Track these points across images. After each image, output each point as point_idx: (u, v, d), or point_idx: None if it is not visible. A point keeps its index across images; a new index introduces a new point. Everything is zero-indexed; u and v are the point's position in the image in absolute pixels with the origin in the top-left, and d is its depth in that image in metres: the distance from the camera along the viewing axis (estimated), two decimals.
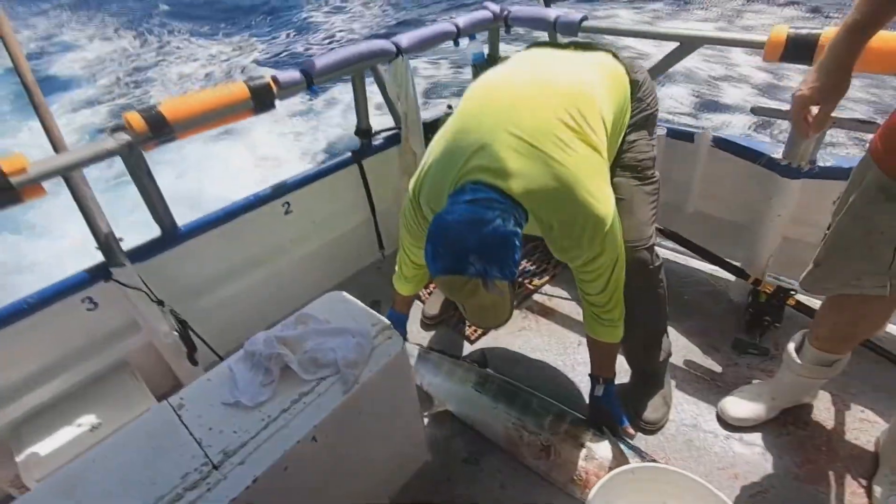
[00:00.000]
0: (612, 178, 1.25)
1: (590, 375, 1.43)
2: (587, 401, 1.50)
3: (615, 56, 1.30)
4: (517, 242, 0.97)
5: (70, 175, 1.33)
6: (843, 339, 1.28)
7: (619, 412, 1.40)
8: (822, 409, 1.52)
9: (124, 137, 1.34)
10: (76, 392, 1.55)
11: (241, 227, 1.76)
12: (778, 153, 1.64)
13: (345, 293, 1.41)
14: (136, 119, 1.33)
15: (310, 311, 1.33)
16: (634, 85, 1.27)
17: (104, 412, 1.50)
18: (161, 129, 1.36)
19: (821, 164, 1.59)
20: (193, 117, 1.41)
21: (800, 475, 1.37)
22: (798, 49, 1.42)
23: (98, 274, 1.46)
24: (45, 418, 1.48)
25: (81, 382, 1.57)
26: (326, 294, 1.39)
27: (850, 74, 0.94)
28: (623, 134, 1.26)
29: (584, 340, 1.41)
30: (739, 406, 1.50)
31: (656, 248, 1.32)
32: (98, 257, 1.46)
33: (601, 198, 1.04)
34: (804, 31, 1.42)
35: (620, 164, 1.28)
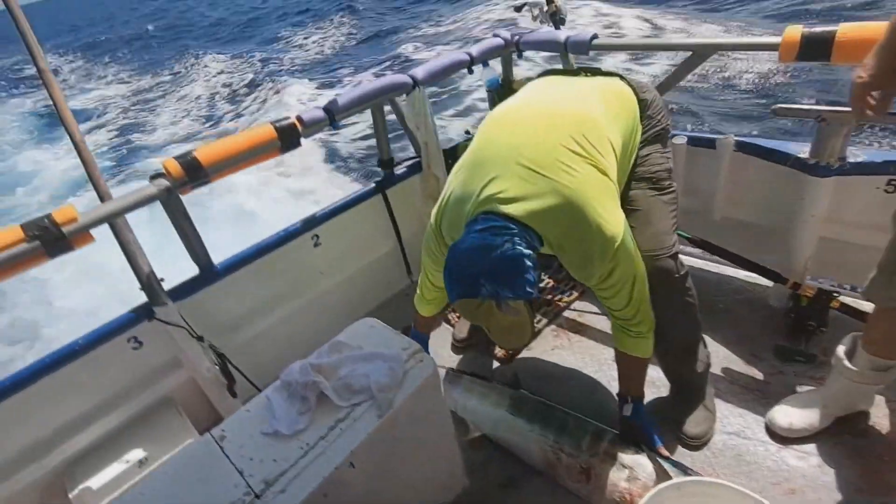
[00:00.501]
0: (628, 192, 1.27)
1: (617, 395, 1.40)
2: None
3: (622, 78, 1.34)
4: (528, 263, 0.99)
5: (114, 221, 1.42)
6: None
7: (651, 431, 1.35)
8: (880, 416, 1.43)
9: (163, 183, 1.43)
10: (124, 429, 1.61)
11: (274, 262, 1.82)
12: (804, 153, 1.61)
13: (375, 319, 1.44)
14: (173, 165, 1.42)
15: (342, 338, 1.36)
16: (643, 104, 1.31)
17: (150, 447, 1.55)
18: (196, 173, 1.44)
19: (851, 160, 1.54)
20: (225, 160, 1.49)
21: (862, 487, 1.29)
22: (813, 47, 1.41)
23: (142, 314, 1.54)
24: (96, 455, 1.54)
25: (129, 419, 1.63)
26: (357, 321, 1.42)
27: None
28: (636, 151, 1.29)
29: (604, 359, 1.40)
30: (790, 415, 1.43)
31: (681, 256, 1.31)
32: (141, 298, 1.53)
33: (608, 216, 1.06)
34: (818, 30, 1.41)
35: (635, 178, 1.29)
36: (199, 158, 1.45)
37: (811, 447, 1.40)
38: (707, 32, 7.55)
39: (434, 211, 1.27)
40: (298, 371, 1.22)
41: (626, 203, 1.28)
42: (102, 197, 1.45)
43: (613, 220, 1.07)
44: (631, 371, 1.34)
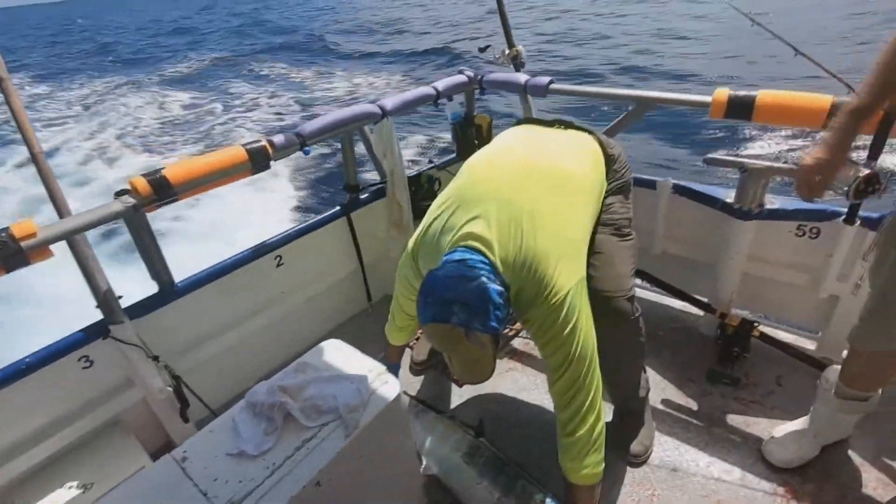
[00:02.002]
0: (593, 237, 1.37)
1: None
2: None
3: (592, 134, 1.47)
4: (499, 300, 1.03)
5: (73, 238, 1.39)
6: (878, 382, 1.37)
7: None
8: None
9: (129, 201, 1.42)
10: (69, 452, 1.54)
11: (236, 281, 1.82)
12: (730, 198, 1.82)
13: (339, 341, 1.47)
14: (141, 183, 1.41)
15: (308, 359, 1.39)
16: (610, 159, 1.43)
17: (97, 472, 1.49)
18: (165, 191, 1.44)
19: (768, 206, 1.77)
20: (195, 180, 1.50)
21: (778, 493, 1.45)
22: (738, 108, 1.62)
23: (96, 332, 1.50)
24: (39, 479, 1.46)
25: (75, 442, 1.56)
26: (323, 342, 1.45)
27: (847, 152, 1.11)
28: (602, 201, 1.40)
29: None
30: (785, 450, 1.53)
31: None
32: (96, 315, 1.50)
33: (560, 274, 1.11)
34: (742, 93, 1.62)
35: (600, 223, 1.40)
36: (168, 177, 1.45)
37: (733, 463, 1.55)
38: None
39: (411, 241, 1.32)
40: (265, 392, 1.24)
41: (591, 247, 1.37)
42: (61, 211, 1.42)
43: (564, 279, 1.11)
44: (581, 497, 1.26)
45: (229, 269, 1.80)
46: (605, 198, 1.42)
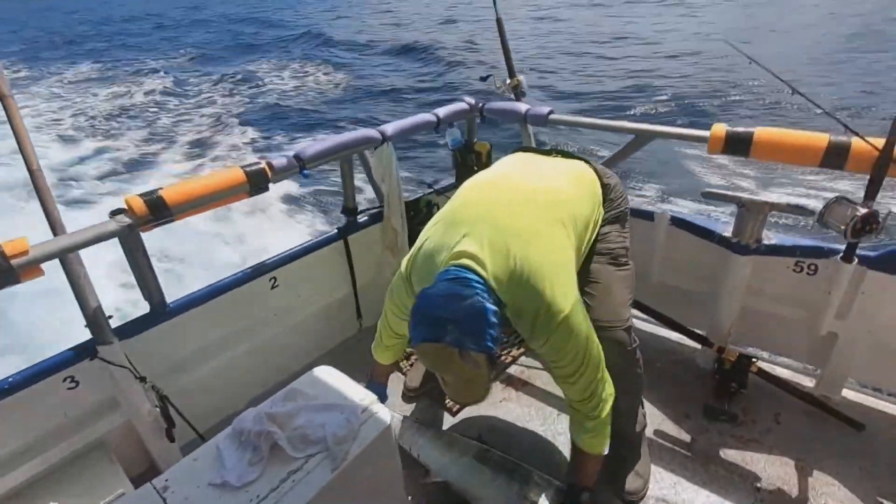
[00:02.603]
0: (589, 265, 1.37)
1: (569, 485, 1.40)
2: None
3: (589, 163, 1.47)
4: (494, 319, 1.03)
5: (66, 256, 1.38)
6: None
7: None
8: (790, 474, 1.58)
9: (125, 220, 1.41)
10: (49, 475, 1.50)
11: (229, 303, 1.80)
12: (728, 231, 1.82)
13: (331, 368, 1.45)
14: (137, 203, 1.41)
15: (298, 386, 1.36)
16: (606, 188, 1.44)
17: (77, 496, 1.44)
18: (161, 212, 1.44)
19: (766, 241, 1.76)
20: (192, 201, 1.50)
21: None
22: (736, 144, 1.63)
23: (84, 352, 1.47)
24: (17, 503, 1.41)
25: (56, 465, 1.51)
26: (315, 369, 1.42)
27: None
28: (598, 229, 1.40)
29: (563, 410, 1.45)
30: None
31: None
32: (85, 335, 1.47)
33: (559, 293, 1.11)
34: (740, 130, 1.64)
35: (596, 252, 1.40)
36: (164, 198, 1.44)
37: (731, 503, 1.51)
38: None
39: (405, 261, 1.31)
40: (252, 420, 1.21)
41: (588, 276, 1.38)
42: (55, 228, 1.41)
43: (562, 298, 1.12)
44: (587, 467, 1.36)
45: (224, 290, 1.78)
46: (601, 226, 1.42)
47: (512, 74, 2.33)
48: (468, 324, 1.01)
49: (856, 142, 1.45)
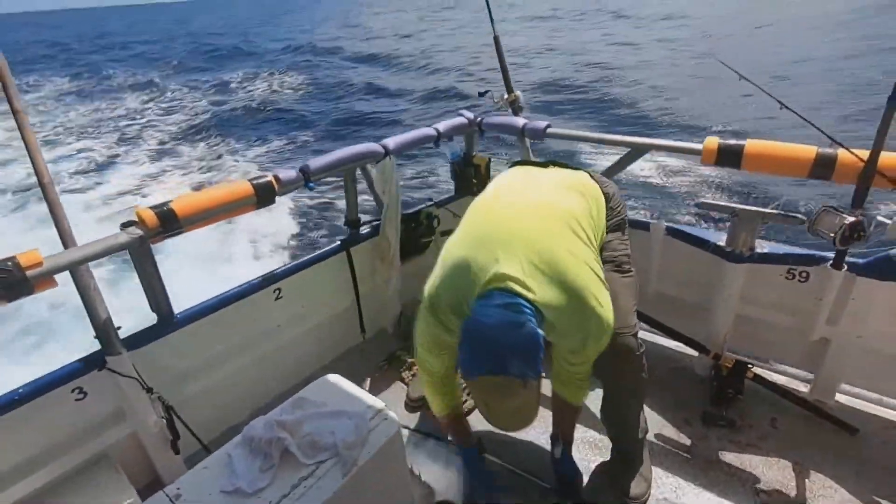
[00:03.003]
0: None
1: (552, 437, 1.54)
2: (581, 479, 1.59)
3: (590, 174, 1.51)
4: (542, 343, 1.04)
5: (76, 268, 1.40)
6: None
7: (576, 467, 1.57)
8: (788, 477, 1.61)
9: (136, 232, 1.44)
10: (55, 486, 1.50)
11: (234, 314, 1.82)
12: (722, 241, 1.87)
13: (338, 376, 1.47)
14: (148, 215, 1.44)
15: (305, 394, 1.38)
16: (607, 197, 1.47)
17: None
18: (171, 224, 1.47)
19: (759, 250, 1.82)
20: (202, 213, 1.53)
21: None
22: (728, 156, 1.70)
23: (93, 363, 1.48)
24: None
25: (61, 476, 1.52)
26: (322, 377, 1.45)
27: None
28: (602, 237, 1.43)
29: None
30: None
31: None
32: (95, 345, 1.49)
33: (604, 305, 1.16)
34: (732, 142, 1.70)
35: (602, 260, 1.41)
36: (175, 210, 1.48)
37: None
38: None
39: (428, 291, 1.25)
40: (262, 427, 1.23)
41: None
42: (65, 240, 1.43)
43: (607, 308, 1.16)
44: (566, 416, 1.50)
45: (229, 302, 1.81)
46: (604, 234, 1.45)
47: (510, 90, 2.40)
48: (529, 352, 1.00)
49: (842, 153, 1.51)
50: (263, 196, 1.67)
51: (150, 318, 1.67)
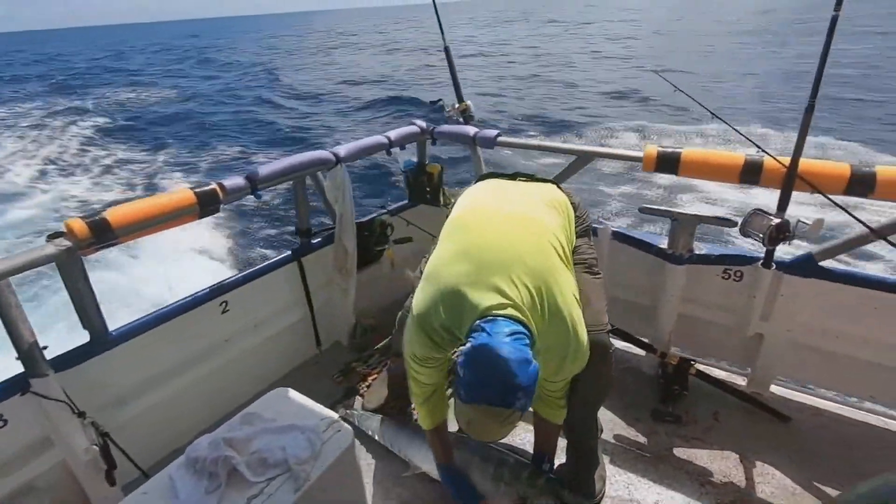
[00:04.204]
0: None
1: (535, 455, 1.54)
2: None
3: (558, 186, 1.56)
4: None
5: None
6: None
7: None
8: (731, 467, 1.70)
9: (64, 244, 1.34)
10: None
11: (176, 329, 1.73)
12: (664, 244, 1.97)
13: (289, 389, 1.42)
14: (78, 225, 1.34)
15: (255, 409, 1.32)
16: (574, 206, 1.53)
17: None
18: (104, 234, 1.38)
19: (697, 252, 1.92)
20: (138, 223, 1.45)
21: None
22: (666, 163, 1.79)
23: (14, 387, 1.36)
24: None
25: None
26: (272, 391, 1.39)
27: None
28: (573, 244, 1.48)
29: (531, 419, 1.51)
30: None
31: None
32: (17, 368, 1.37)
33: (581, 325, 1.21)
34: (669, 150, 1.80)
35: (574, 263, 1.45)
36: (109, 219, 1.39)
37: (681, 498, 1.60)
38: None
39: (419, 303, 1.23)
40: (207, 446, 1.17)
41: None
42: None
43: (583, 329, 1.21)
44: (550, 436, 1.51)
45: (171, 316, 1.71)
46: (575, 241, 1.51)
47: (461, 99, 2.43)
48: (532, 389, 1.03)
49: (767, 160, 1.63)
50: (207, 205, 1.60)
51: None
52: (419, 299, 1.23)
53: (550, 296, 1.16)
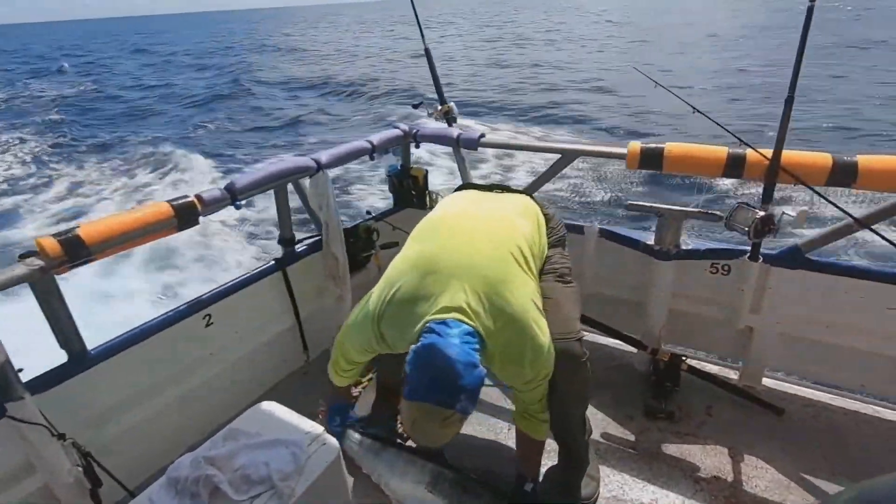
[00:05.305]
0: (539, 284, 1.43)
1: (519, 475, 1.50)
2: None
3: (532, 198, 1.60)
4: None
5: None
6: None
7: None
8: (724, 462, 1.69)
9: (36, 263, 1.30)
10: None
11: (159, 345, 1.69)
12: (651, 240, 1.96)
13: (273, 403, 1.39)
14: (50, 244, 1.31)
15: (238, 425, 1.30)
16: (547, 218, 1.57)
17: None
18: (78, 251, 1.34)
19: (684, 247, 1.91)
20: (113, 238, 1.41)
21: None
22: (649, 159, 1.78)
23: None
24: None
25: None
26: (254, 406, 1.36)
27: None
28: (545, 255, 1.51)
29: (513, 426, 1.49)
30: None
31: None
32: None
33: (540, 331, 1.23)
34: (652, 146, 1.79)
35: (544, 272, 1.49)
36: (82, 236, 1.35)
37: (675, 497, 1.58)
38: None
39: (374, 304, 1.29)
40: (189, 465, 1.15)
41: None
42: None
43: (543, 333, 1.23)
44: (531, 451, 1.48)
45: (152, 332, 1.68)
46: (546, 252, 1.52)
47: (443, 101, 2.41)
48: (476, 393, 1.07)
49: (750, 153, 1.62)
50: (185, 217, 1.57)
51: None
52: (375, 296, 1.29)
53: (503, 302, 1.18)
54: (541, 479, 1.64)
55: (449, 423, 1.06)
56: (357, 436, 1.65)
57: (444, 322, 1.12)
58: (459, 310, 1.15)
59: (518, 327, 1.19)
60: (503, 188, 1.64)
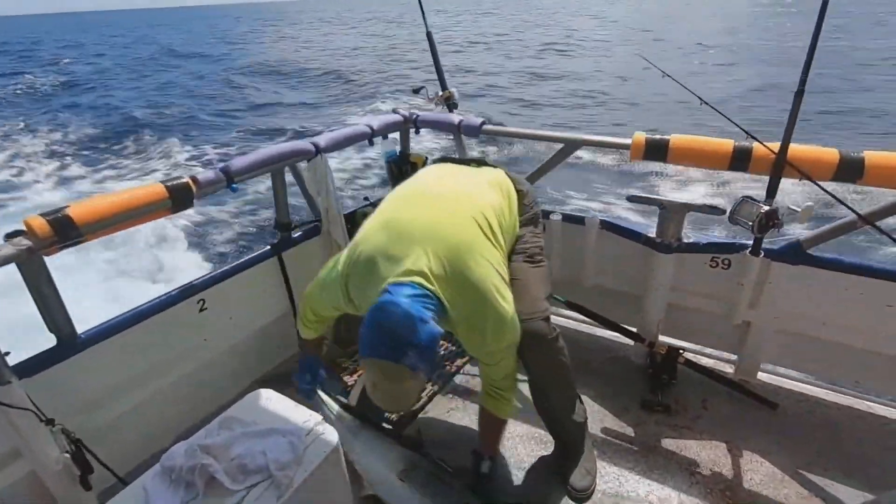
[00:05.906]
0: (508, 266, 1.41)
1: (473, 452, 1.53)
2: (521, 480, 1.58)
3: (506, 173, 1.58)
4: (439, 341, 1.11)
5: None
6: None
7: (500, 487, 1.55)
8: (720, 455, 1.69)
9: (23, 243, 1.25)
10: None
11: (151, 330, 1.65)
12: (652, 233, 1.94)
13: (270, 391, 1.37)
14: (39, 223, 1.26)
15: (234, 413, 1.27)
16: (520, 194, 1.54)
17: None
18: (68, 232, 1.30)
19: (685, 240, 1.90)
20: (105, 219, 1.37)
21: None
22: (654, 150, 1.75)
23: None
24: None
25: None
26: (251, 393, 1.34)
27: None
28: (515, 231, 1.49)
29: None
30: None
31: (558, 317, 1.48)
32: None
33: (504, 301, 1.23)
34: (657, 137, 1.76)
35: (514, 253, 1.48)
36: (72, 216, 1.31)
37: (670, 491, 1.59)
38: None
39: (343, 262, 1.31)
40: (183, 453, 1.12)
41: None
42: None
43: (507, 304, 1.23)
44: (492, 429, 1.50)
45: (145, 316, 1.64)
46: (518, 229, 1.51)
47: (444, 87, 2.37)
48: (426, 349, 1.05)
49: (756, 146, 1.60)
50: (179, 199, 1.52)
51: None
52: (345, 256, 1.32)
53: (465, 268, 1.19)
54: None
55: (400, 378, 1.06)
56: (337, 408, 1.59)
57: (399, 283, 1.13)
58: (421, 273, 1.15)
59: (479, 294, 1.19)
60: (480, 162, 1.63)
